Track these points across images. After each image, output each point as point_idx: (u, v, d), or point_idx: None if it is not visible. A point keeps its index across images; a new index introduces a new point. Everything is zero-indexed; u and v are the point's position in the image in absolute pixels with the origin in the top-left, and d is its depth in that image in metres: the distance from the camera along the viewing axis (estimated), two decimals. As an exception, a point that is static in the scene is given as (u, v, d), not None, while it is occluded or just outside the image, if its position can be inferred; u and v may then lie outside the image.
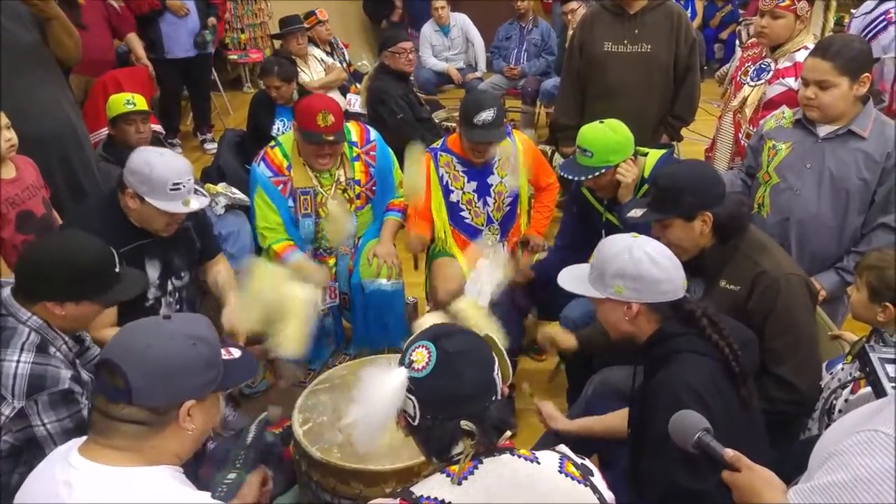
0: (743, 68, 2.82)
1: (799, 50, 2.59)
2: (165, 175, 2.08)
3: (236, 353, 1.29)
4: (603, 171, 2.29)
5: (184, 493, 1.15)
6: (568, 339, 2.19)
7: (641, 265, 1.53)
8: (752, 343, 1.67)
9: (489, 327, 2.11)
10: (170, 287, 2.37)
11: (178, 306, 2.44)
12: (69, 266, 1.63)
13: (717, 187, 1.89)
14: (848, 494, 0.92)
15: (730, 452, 1.23)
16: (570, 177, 2.34)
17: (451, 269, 2.82)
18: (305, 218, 2.75)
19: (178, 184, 2.10)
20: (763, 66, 2.73)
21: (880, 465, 0.89)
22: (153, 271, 2.30)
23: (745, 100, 2.75)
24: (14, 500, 1.19)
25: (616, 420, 1.89)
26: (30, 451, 1.59)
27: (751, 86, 2.74)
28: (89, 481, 1.10)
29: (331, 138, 2.58)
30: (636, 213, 1.98)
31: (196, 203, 2.17)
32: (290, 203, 2.74)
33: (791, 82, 2.59)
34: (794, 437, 1.89)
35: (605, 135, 2.31)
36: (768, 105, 2.67)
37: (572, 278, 1.70)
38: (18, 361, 1.57)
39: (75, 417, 1.60)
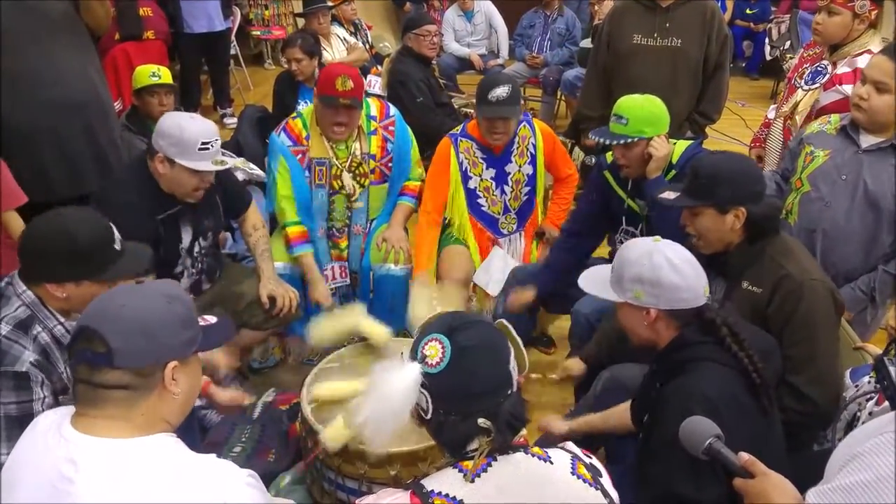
0: (800, 70, 2.60)
1: (861, 54, 2.35)
2: (195, 135, 2.16)
3: (212, 319, 1.27)
4: (635, 139, 2.24)
5: (189, 456, 1.12)
6: (577, 365, 2.25)
7: (661, 271, 1.50)
8: (773, 351, 1.64)
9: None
10: (196, 249, 2.41)
11: (197, 275, 2.47)
12: (64, 246, 1.57)
13: (757, 184, 1.83)
14: (871, 493, 0.90)
15: (745, 456, 1.20)
16: (601, 140, 2.27)
17: (459, 258, 2.82)
18: (318, 189, 2.77)
19: (206, 143, 2.18)
20: (819, 68, 2.51)
21: None
22: (186, 236, 2.35)
23: (796, 105, 2.54)
24: (2, 475, 1.13)
25: (616, 415, 1.88)
26: None
27: (804, 89, 2.53)
28: (93, 456, 1.07)
29: (347, 102, 2.60)
30: (669, 195, 1.91)
31: (229, 161, 2.25)
32: (306, 174, 2.75)
33: (848, 90, 2.30)
34: (804, 447, 1.85)
35: (642, 105, 2.26)
36: (820, 113, 2.43)
37: (593, 280, 1.68)
38: None
39: (21, 406, 1.51)
